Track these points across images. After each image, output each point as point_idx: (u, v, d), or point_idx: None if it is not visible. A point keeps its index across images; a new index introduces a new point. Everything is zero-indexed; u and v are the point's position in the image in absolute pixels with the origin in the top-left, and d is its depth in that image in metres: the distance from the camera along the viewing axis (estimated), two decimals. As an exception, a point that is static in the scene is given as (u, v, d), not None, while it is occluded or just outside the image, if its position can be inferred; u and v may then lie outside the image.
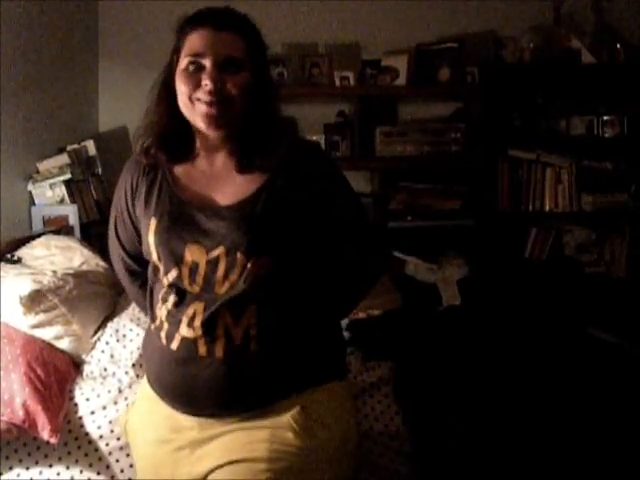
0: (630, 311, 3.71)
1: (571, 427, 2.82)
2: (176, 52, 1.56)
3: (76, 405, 2.27)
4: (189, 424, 1.57)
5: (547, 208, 4.12)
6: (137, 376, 2.36)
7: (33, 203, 3.48)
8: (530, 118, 4.07)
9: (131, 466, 2.15)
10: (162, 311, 1.57)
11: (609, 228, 4.16)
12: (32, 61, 3.46)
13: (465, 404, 2.73)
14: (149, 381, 1.67)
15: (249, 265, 1.48)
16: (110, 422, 2.22)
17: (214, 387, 1.50)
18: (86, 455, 2.18)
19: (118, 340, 2.50)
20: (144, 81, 4.18)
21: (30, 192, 3.47)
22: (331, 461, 1.54)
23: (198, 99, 1.48)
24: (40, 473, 2.14)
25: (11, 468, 2.14)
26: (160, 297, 1.59)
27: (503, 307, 3.65)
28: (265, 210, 1.51)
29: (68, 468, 2.16)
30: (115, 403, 2.27)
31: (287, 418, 1.51)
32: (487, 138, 4.09)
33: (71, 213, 3.47)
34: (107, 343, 2.50)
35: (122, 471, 2.17)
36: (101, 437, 2.20)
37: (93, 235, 3.61)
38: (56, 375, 2.27)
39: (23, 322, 2.36)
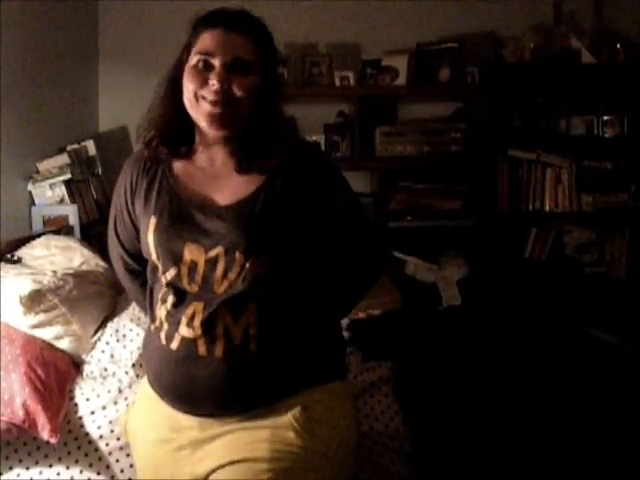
0: (630, 311, 3.71)
1: (571, 427, 2.82)
2: (187, 49, 1.55)
3: (76, 405, 2.27)
4: (189, 424, 1.56)
5: (547, 208, 4.12)
6: (137, 376, 2.36)
7: (33, 203, 3.48)
8: (530, 118, 4.07)
9: (131, 466, 2.15)
10: (161, 311, 1.58)
11: (609, 228, 4.17)
12: (32, 61, 3.46)
13: (465, 404, 2.73)
14: (149, 381, 1.66)
15: (248, 265, 1.48)
16: (110, 422, 2.22)
17: (214, 387, 1.50)
18: (86, 455, 2.18)
19: (118, 340, 2.50)
20: (144, 81, 4.19)
21: (30, 192, 3.47)
22: (332, 461, 1.54)
23: (203, 97, 1.48)
24: (40, 473, 2.14)
25: (11, 468, 2.14)
26: (159, 297, 1.59)
27: (503, 307, 3.65)
28: (264, 210, 1.51)
29: (68, 468, 2.16)
30: (115, 403, 2.27)
31: (288, 418, 1.51)
32: (487, 138, 4.09)
33: (71, 213, 3.47)
34: (107, 343, 2.49)
35: (122, 471, 2.17)
36: (101, 437, 2.20)
37: (93, 235, 3.61)
38: (56, 375, 2.27)
39: (23, 322, 2.36)
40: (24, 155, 3.43)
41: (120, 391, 2.30)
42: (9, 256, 2.76)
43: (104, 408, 2.26)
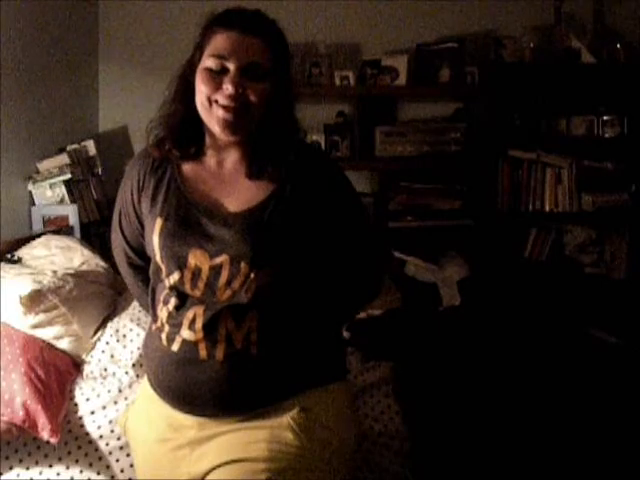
0: (630, 311, 3.71)
1: (571, 427, 2.82)
2: (199, 49, 1.53)
3: (76, 405, 2.27)
4: (189, 423, 1.57)
5: (547, 208, 4.12)
6: (137, 376, 2.36)
7: (33, 203, 3.48)
8: (530, 118, 4.07)
9: (131, 466, 2.15)
10: (163, 313, 1.57)
11: (609, 228, 4.17)
12: (32, 61, 3.46)
13: (465, 404, 2.73)
14: (149, 380, 1.67)
15: (252, 275, 1.48)
16: (110, 422, 2.22)
17: (214, 389, 1.50)
18: (86, 455, 2.18)
19: (118, 340, 2.50)
20: (144, 81, 4.19)
21: (30, 192, 3.47)
22: (330, 462, 1.54)
23: (217, 101, 1.47)
24: (40, 473, 2.14)
25: (11, 468, 2.14)
26: (162, 298, 1.58)
27: (503, 307, 3.65)
28: (272, 220, 1.50)
29: (68, 468, 2.15)
30: (115, 403, 2.27)
31: (287, 419, 1.51)
32: (487, 138, 4.09)
33: (71, 213, 3.47)
34: (107, 343, 2.49)
35: (122, 471, 2.17)
36: (101, 437, 2.20)
37: (93, 235, 3.62)
38: (56, 375, 2.27)
39: (23, 322, 2.36)
40: (24, 155, 3.43)
41: (120, 391, 2.31)
42: (9, 256, 2.76)
43: (104, 408, 2.26)
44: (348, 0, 4.25)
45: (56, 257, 2.79)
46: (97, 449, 2.19)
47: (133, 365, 2.39)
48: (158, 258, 1.56)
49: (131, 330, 2.52)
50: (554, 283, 3.98)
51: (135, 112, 4.25)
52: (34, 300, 2.34)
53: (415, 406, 2.47)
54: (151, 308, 1.65)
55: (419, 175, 4.21)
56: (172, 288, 1.54)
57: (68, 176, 3.50)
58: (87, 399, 2.28)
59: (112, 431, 2.20)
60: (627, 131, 4.06)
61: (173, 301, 1.54)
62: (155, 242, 1.55)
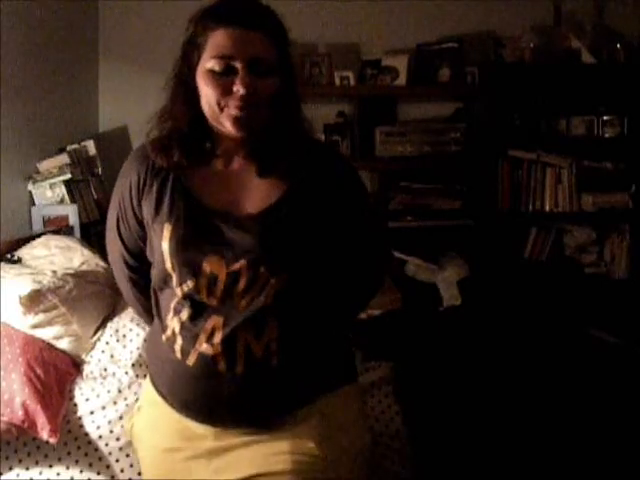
0: (630, 311, 3.71)
1: (572, 427, 2.82)
2: (196, 48, 1.42)
3: (76, 405, 2.27)
4: (203, 432, 1.52)
5: (547, 208, 4.12)
6: (137, 376, 2.35)
7: (33, 203, 3.47)
8: (530, 118, 4.07)
9: (131, 466, 2.15)
10: (174, 323, 1.49)
11: (609, 228, 4.17)
12: (32, 61, 3.46)
13: (465, 404, 2.73)
14: (157, 389, 1.60)
15: (272, 280, 1.42)
16: (109, 422, 2.22)
17: (234, 403, 1.46)
18: (86, 455, 2.18)
19: (118, 340, 2.49)
20: (144, 81, 4.19)
21: (30, 192, 3.47)
22: (352, 467, 1.51)
23: (227, 105, 1.39)
24: (40, 473, 2.14)
25: (11, 468, 2.14)
26: (172, 307, 1.50)
27: (503, 307, 3.65)
28: (289, 221, 1.45)
29: (68, 468, 2.15)
30: (114, 403, 2.27)
31: (308, 428, 1.48)
32: (487, 138, 4.09)
33: (71, 213, 3.47)
34: (107, 343, 2.49)
35: (122, 471, 2.16)
36: (100, 437, 2.20)
37: (93, 235, 3.61)
38: (56, 375, 2.27)
39: (23, 322, 2.35)
40: (24, 155, 3.43)
41: (120, 391, 2.30)
42: (9, 256, 2.76)
43: (103, 408, 2.25)
44: (348, 0, 4.25)
45: (56, 257, 2.79)
46: (97, 449, 2.19)
47: (133, 365, 2.39)
48: (168, 265, 1.47)
49: (131, 330, 2.52)
50: (554, 283, 3.98)
51: (135, 112, 4.20)
52: (34, 300, 2.34)
53: (415, 406, 2.47)
54: (156, 316, 1.58)
55: (419, 175, 4.21)
56: (185, 297, 1.47)
57: (68, 176, 3.50)
58: (87, 399, 2.28)
59: (111, 431, 2.20)
60: (627, 131, 4.06)
61: (186, 311, 1.47)
62: (165, 249, 1.46)
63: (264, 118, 1.44)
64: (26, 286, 2.36)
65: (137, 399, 2.25)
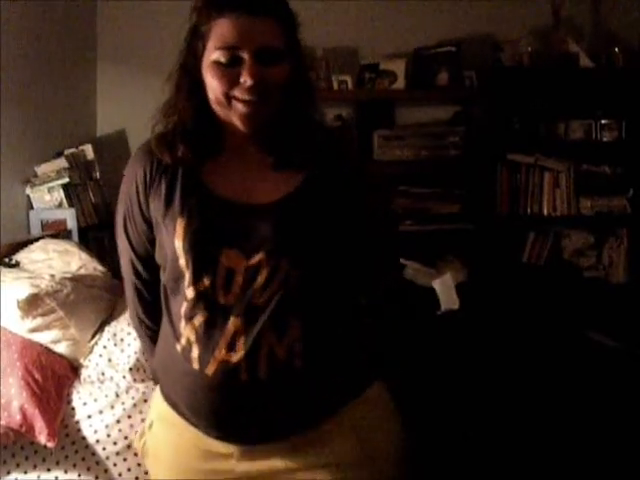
0: (629, 315, 3.71)
1: (571, 430, 2.82)
2: (200, 38, 1.35)
3: (73, 409, 2.27)
4: (226, 451, 1.44)
5: (545, 212, 4.12)
6: (134, 380, 2.35)
7: (31, 207, 3.47)
8: (528, 122, 4.07)
9: (129, 470, 2.15)
10: (187, 331, 1.41)
11: (607, 232, 4.17)
12: (30, 64, 3.46)
13: (464, 407, 2.73)
14: (171, 403, 1.51)
15: (293, 272, 1.35)
16: (107, 426, 2.21)
17: (257, 411, 1.38)
18: (83, 459, 2.18)
19: (116, 344, 2.49)
20: (143, 85, 4.19)
21: (28, 196, 3.47)
22: (389, 467, 1.49)
23: (235, 97, 1.33)
24: (38, 477, 2.13)
25: (9, 473, 2.13)
26: (183, 314, 1.41)
27: (502, 311, 3.65)
28: (308, 210, 1.39)
29: (66, 472, 2.15)
30: (112, 407, 2.26)
31: (345, 455, 1.42)
32: (485, 142, 4.09)
33: (69, 217, 3.47)
34: (105, 347, 2.49)
35: (120, 475, 2.16)
36: (98, 441, 2.19)
37: (91, 239, 3.62)
38: (54, 379, 2.27)
39: (21, 326, 2.35)
40: (22, 159, 3.43)
41: (117, 395, 2.30)
42: (7, 260, 2.76)
43: (101, 412, 2.25)
44: (346, 4, 4.25)
45: (54, 261, 2.79)
46: (94, 453, 2.19)
47: (130, 369, 2.39)
48: (182, 262, 1.38)
49: (129, 334, 2.51)
50: (552, 287, 3.98)
51: (133, 116, 4.22)
52: (31, 304, 2.34)
53: (414, 410, 2.47)
54: (168, 325, 1.47)
55: (418, 179, 4.21)
56: (199, 297, 1.38)
57: (66, 180, 3.50)
58: (84, 403, 2.28)
59: (109, 435, 2.20)
60: (625, 135, 4.06)
61: (201, 315, 1.38)
62: (178, 246, 1.38)
63: (275, 109, 1.38)
64: (24, 290, 2.36)
65: (135, 404, 2.26)
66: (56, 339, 2.42)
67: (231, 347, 1.35)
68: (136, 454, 2.17)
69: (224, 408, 1.39)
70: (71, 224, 3.46)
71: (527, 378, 3.06)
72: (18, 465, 2.14)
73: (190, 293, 1.39)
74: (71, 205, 3.53)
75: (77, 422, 2.23)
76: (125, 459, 2.15)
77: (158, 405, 1.58)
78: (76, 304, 2.50)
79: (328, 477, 1.41)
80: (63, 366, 2.39)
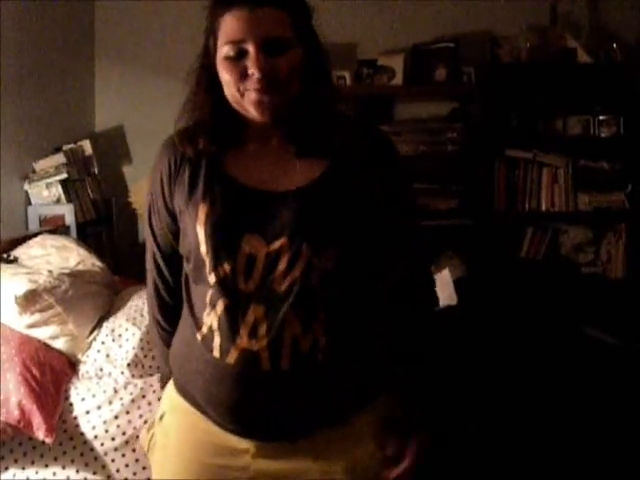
0: (627, 311, 3.72)
1: (568, 426, 2.83)
2: (213, 36, 1.36)
3: (71, 405, 2.27)
4: (242, 446, 1.41)
5: (543, 208, 4.12)
6: (132, 376, 2.36)
7: (29, 203, 3.48)
8: (526, 118, 4.07)
9: (127, 466, 2.15)
10: (210, 318, 1.38)
11: (605, 228, 4.17)
12: (28, 61, 3.46)
13: (462, 404, 2.73)
14: (187, 396, 1.48)
15: (315, 259, 1.33)
16: (105, 422, 2.22)
17: (278, 404, 1.36)
18: (82, 455, 2.18)
19: (114, 340, 2.49)
20: (140, 81, 4.18)
21: (26, 192, 3.47)
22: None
23: (247, 89, 1.32)
24: (36, 473, 2.14)
25: (7, 468, 2.14)
26: (207, 301, 1.39)
27: (500, 307, 3.66)
28: (332, 196, 1.37)
29: (64, 468, 2.15)
30: (110, 403, 2.27)
31: (364, 460, 1.42)
32: (483, 138, 4.09)
33: (67, 213, 3.47)
34: (103, 343, 2.49)
35: (118, 471, 2.17)
36: (96, 437, 2.20)
37: (89, 234, 3.62)
38: (52, 375, 2.27)
39: (18, 322, 2.36)
40: (20, 155, 3.43)
41: (115, 391, 2.30)
42: (5, 256, 2.76)
43: (99, 408, 2.25)
44: (344, 0, 4.25)
45: (52, 257, 2.79)
46: (92, 449, 2.19)
47: (129, 365, 2.39)
48: (203, 249, 1.37)
49: (127, 330, 2.52)
50: (550, 282, 3.98)
51: (131, 112, 4.25)
52: (29, 300, 2.34)
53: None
54: (189, 315, 1.45)
55: (415, 175, 4.21)
56: (219, 283, 1.36)
57: (64, 176, 3.51)
58: (82, 399, 2.28)
59: (107, 431, 2.20)
60: (623, 131, 4.06)
61: (222, 302, 1.36)
62: (200, 231, 1.37)
63: (291, 96, 1.36)
64: (22, 286, 2.36)
65: (133, 399, 2.27)
66: (54, 335, 2.42)
67: (253, 334, 1.33)
68: (134, 450, 2.18)
69: (243, 399, 1.36)
70: (69, 220, 3.46)
71: (525, 374, 3.06)
72: (16, 461, 2.15)
73: (211, 279, 1.37)
74: (69, 201, 3.54)
75: (75, 418, 2.24)
76: (123, 455, 2.15)
77: (172, 397, 1.55)
78: (74, 300, 2.50)
79: None
80: (61, 362, 2.39)
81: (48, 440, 2.10)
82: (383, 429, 1.45)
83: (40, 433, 2.09)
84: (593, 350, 3.41)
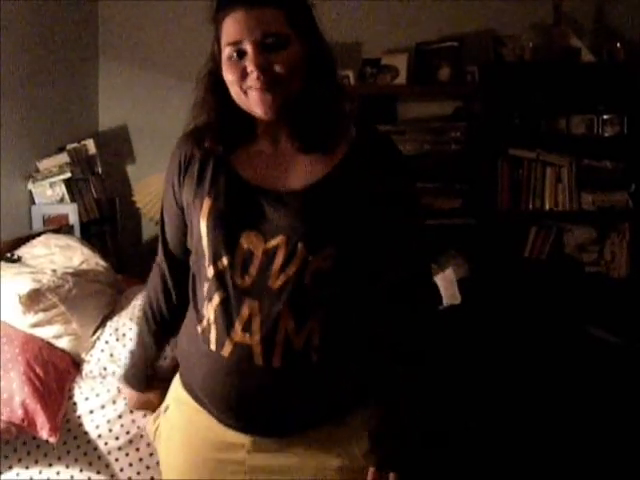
0: (630, 310, 3.71)
1: (571, 425, 2.83)
2: (217, 40, 1.42)
3: (75, 404, 2.27)
4: (237, 441, 1.45)
5: (547, 207, 4.12)
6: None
7: (33, 202, 3.48)
8: (530, 117, 4.07)
9: (130, 465, 2.15)
10: (208, 311, 1.43)
11: (609, 227, 4.16)
12: (32, 60, 3.47)
13: (464, 403, 2.73)
14: (188, 389, 1.53)
15: (310, 258, 1.36)
16: (109, 421, 2.22)
17: (271, 401, 1.39)
18: (85, 454, 2.18)
19: (118, 339, 2.49)
20: (144, 80, 4.18)
21: (30, 191, 3.47)
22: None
23: (249, 87, 1.37)
24: (40, 472, 2.14)
25: (10, 467, 2.14)
26: (205, 295, 1.45)
27: (503, 306, 3.66)
28: (331, 199, 1.39)
29: (68, 467, 2.16)
30: (114, 402, 2.27)
31: (358, 458, 1.43)
32: (487, 137, 4.08)
33: (71, 212, 3.48)
34: (106, 342, 2.49)
35: (122, 470, 2.17)
36: (100, 436, 2.20)
37: (93, 234, 3.63)
38: (55, 374, 2.27)
39: (22, 321, 2.36)
40: (24, 154, 3.44)
41: (119, 390, 2.30)
42: (9, 255, 2.77)
43: (103, 407, 2.25)
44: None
45: (56, 256, 2.79)
46: (96, 448, 2.19)
47: (132, 364, 2.39)
48: (204, 243, 1.42)
49: (131, 329, 2.52)
50: (554, 282, 3.98)
51: (135, 111, 4.25)
52: (33, 299, 2.34)
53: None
54: (193, 308, 1.51)
55: (419, 174, 4.20)
56: (217, 276, 1.41)
57: (68, 175, 3.51)
58: (86, 398, 2.28)
59: (110, 430, 2.20)
60: (627, 130, 4.05)
61: (218, 295, 1.41)
62: (202, 226, 1.42)
63: (294, 92, 1.40)
64: (26, 285, 2.37)
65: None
66: (58, 334, 2.43)
67: (247, 328, 1.37)
68: (138, 449, 2.18)
69: (237, 393, 1.40)
70: (73, 219, 3.47)
71: (528, 373, 3.06)
72: (20, 460, 2.15)
73: (210, 272, 1.42)
74: (73, 200, 3.54)
75: (79, 417, 2.24)
76: (127, 454, 2.15)
77: (176, 390, 1.59)
78: (78, 299, 2.50)
79: (338, 479, 1.42)
80: (65, 361, 2.39)
81: (52, 439, 2.10)
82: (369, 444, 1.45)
83: (44, 432, 2.09)
84: (596, 349, 3.41)
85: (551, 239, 4.16)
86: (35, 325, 2.37)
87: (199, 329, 1.46)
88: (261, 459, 1.44)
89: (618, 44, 4.03)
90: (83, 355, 2.46)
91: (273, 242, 1.37)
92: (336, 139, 1.44)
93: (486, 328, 3.35)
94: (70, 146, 3.75)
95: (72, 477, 2.15)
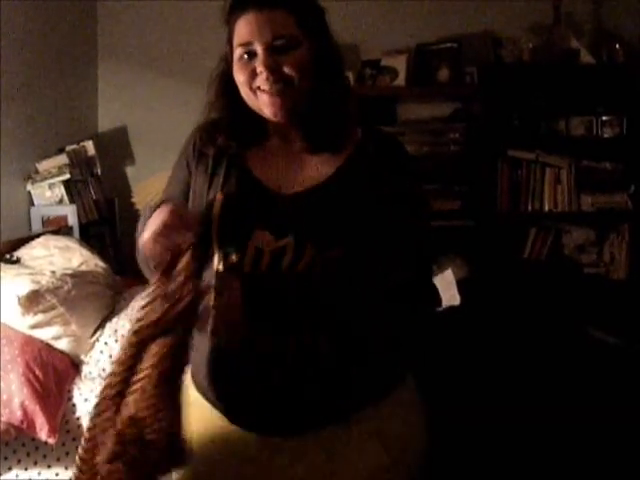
0: (630, 312, 3.71)
1: (571, 427, 2.82)
2: (229, 42, 1.45)
3: (74, 405, 2.28)
4: (245, 439, 1.44)
5: (546, 208, 4.12)
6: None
7: (32, 203, 3.48)
8: (529, 118, 4.07)
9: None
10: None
11: (608, 228, 4.16)
12: (31, 61, 3.47)
13: (464, 404, 2.73)
14: (198, 387, 1.51)
15: (318, 258, 1.36)
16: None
17: (279, 393, 1.39)
18: (84, 456, 2.18)
19: (117, 340, 2.49)
20: (143, 81, 4.18)
21: (29, 192, 3.47)
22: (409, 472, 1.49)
23: (259, 88, 1.39)
24: (39, 474, 2.14)
25: (10, 469, 2.14)
26: (214, 288, 1.43)
27: (503, 308, 3.65)
28: (339, 199, 1.41)
29: (67, 469, 2.16)
30: (113, 404, 2.26)
31: (368, 461, 1.43)
32: (486, 138, 4.08)
33: (70, 213, 3.47)
34: (106, 343, 2.49)
35: (121, 471, 2.16)
36: (99, 438, 2.19)
37: (92, 235, 3.62)
38: (54, 375, 2.27)
39: (22, 322, 2.36)
40: (23, 155, 3.44)
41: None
42: (8, 256, 2.77)
43: (102, 409, 2.25)
44: (347, 0, 4.25)
45: (55, 257, 2.79)
46: (95, 450, 2.19)
47: (131, 366, 2.39)
48: (215, 238, 1.43)
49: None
50: (553, 283, 3.98)
51: (134, 112, 4.25)
52: (32, 300, 2.34)
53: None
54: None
55: (418, 175, 4.20)
56: (227, 272, 1.41)
57: (67, 176, 3.51)
58: (85, 399, 2.28)
59: (110, 432, 2.20)
60: (626, 131, 4.05)
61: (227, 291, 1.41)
62: (214, 220, 1.43)
63: (303, 94, 1.42)
64: (25, 286, 2.37)
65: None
66: (57, 335, 2.43)
67: (257, 318, 1.39)
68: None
69: (245, 387, 1.41)
70: (72, 220, 3.47)
71: (528, 374, 3.06)
72: (19, 461, 2.15)
73: (220, 268, 1.43)
74: (72, 201, 3.54)
75: (78, 418, 2.24)
76: (126, 455, 2.15)
77: (188, 390, 1.54)
78: (77, 300, 2.50)
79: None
80: (64, 362, 2.39)
81: (51, 440, 2.10)
82: (384, 433, 1.45)
83: (43, 434, 2.09)
84: (596, 351, 3.41)
85: (550, 240, 4.16)
86: (34, 326, 2.37)
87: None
88: (268, 458, 1.43)
89: (617, 45, 4.03)
90: (82, 356, 2.47)
91: (282, 241, 1.38)
92: (343, 139, 1.46)
93: (486, 329, 3.34)
94: (69, 147, 3.75)
95: (71, 479, 2.14)
